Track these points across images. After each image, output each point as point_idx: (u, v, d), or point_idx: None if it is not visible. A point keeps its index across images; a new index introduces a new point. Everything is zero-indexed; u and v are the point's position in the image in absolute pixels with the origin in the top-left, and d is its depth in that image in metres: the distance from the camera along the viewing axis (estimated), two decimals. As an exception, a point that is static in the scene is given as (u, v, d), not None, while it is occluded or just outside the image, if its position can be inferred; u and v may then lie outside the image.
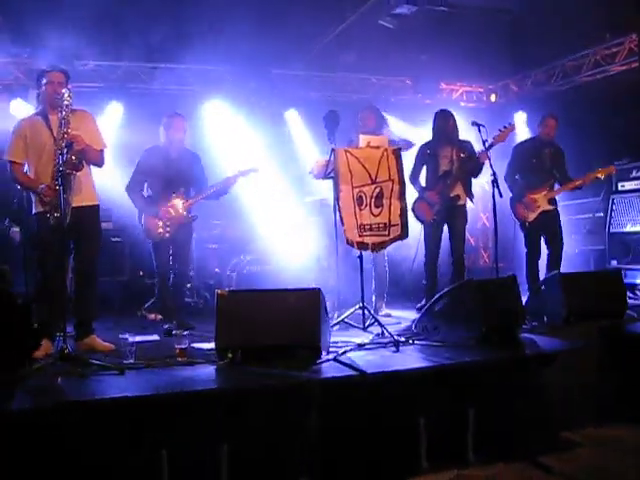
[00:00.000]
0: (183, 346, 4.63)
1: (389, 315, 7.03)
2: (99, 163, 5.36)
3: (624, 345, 5.66)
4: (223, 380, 4.19)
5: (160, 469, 3.87)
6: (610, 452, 4.86)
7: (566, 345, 5.13)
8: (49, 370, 4.24)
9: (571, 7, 7.78)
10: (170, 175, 6.45)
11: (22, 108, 8.06)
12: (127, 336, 4.57)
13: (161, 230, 6.40)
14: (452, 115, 7.21)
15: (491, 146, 6.71)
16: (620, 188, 8.67)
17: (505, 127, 7.02)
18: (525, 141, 7.82)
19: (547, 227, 7.50)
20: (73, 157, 4.80)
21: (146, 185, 6.63)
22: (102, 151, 5.36)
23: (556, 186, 7.59)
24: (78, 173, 4.97)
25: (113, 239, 8.47)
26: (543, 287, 6.07)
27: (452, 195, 7.04)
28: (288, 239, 8.54)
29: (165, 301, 6.62)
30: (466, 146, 7.14)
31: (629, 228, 8.43)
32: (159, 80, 9.51)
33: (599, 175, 7.53)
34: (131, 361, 4.44)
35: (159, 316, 7.14)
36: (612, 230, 8.66)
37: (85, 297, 5.29)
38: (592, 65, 9.66)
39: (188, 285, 7.86)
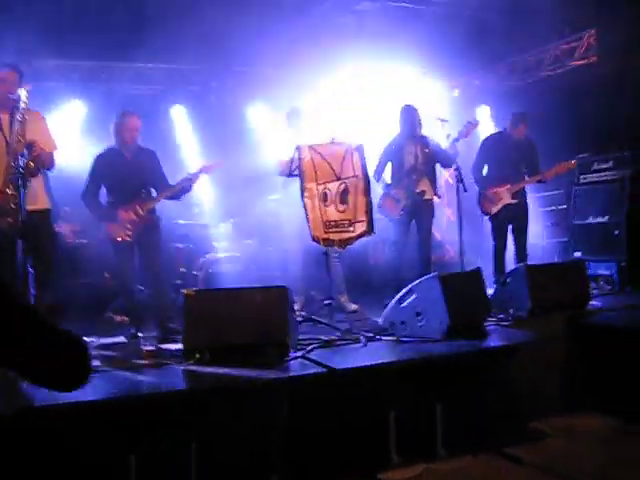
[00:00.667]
0: (150, 348, 4.60)
1: (356, 311, 7.00)
2: (51, 166, 5.25)
3: (589, 335, 5.73)
4: (191, 380, 4.17)
5: (128, 472, 3.85)
6: (578, 441, 4.93)
7: (532, 337, 5.18)
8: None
9: (531, 2, 7.85)
10: (127, 177, 6.20)
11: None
12: (93, 339, 4.52)
13: (122, 234, 6.14)
14: (416, 110, 7.22)
15: (455, 141, 6.78)
16: (582, 180, 8.78)
17: (470, 123, 7.06)
18: (493, 134, 7.89)
19: (511, 220, 7.58)
20: (31, 163, 4.70)
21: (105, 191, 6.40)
22: (53, 153, 5.25)
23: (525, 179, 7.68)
24: (33, 178, 4.88)
25: (77, 241, 8.36)
26: (509, 279, 6.12)
27: (418, 191, 7.06)
28: (254, 237, 8.51)
29: (131, 305, 6.43)
30: (427, 141, 7.16)
31: (591, 220, 8.53)
32: (120, 79, 9.42)
33: (560, 170, 7.64)
34: (98, 364, 4.40)
35: (126, 318, 7.08)
36: (575, 222, 8.76)
37: (45, 300, 5.21)
38: (552, 60, 9.77)
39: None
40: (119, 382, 4.04)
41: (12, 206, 4.65)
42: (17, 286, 4.69)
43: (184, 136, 9.49)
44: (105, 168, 6.24)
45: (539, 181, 7.65)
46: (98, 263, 8.49)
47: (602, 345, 5.63)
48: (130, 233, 6.13)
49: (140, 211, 6.19)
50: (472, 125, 7.05)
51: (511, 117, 7.76)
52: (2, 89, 4.94)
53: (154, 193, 6.42)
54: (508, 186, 7.51)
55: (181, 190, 6.42)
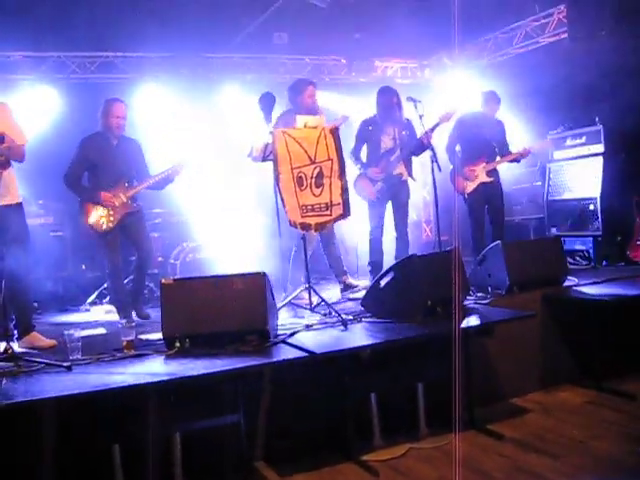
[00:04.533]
0: (130, 338, 4.58)
1: (357, 286, 6.91)
2: (21, 159, 5.16)
3: (567, 311, 5.80)
4: (172, 370, 4.16)
5: (112, 463, 3.86)
6: (557, 415, 5.01)
7: (510, 314, 5.22)
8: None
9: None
10: (112, 163, 6.22)
11: None
12: (72, 331, 4.49)
13: (104, 220, 6.15)
14: (396, 93, 7.14)
15: (435, 127, 6.78)
16: (556, 157, 8.83)
17: (450, 111, 7.02)
18: (466, 114, 7.89)
19: (487, 198, 7.62)
20: (1, 156, 4.64)
21: (86, 176, 6.38)
22: (23, 145, 5.17)
23: (498, 158, 7.71)
24: (4, 172, 4.82)
25: (53, 233, 8.28)
26: (486, 257, 6.15)
27: (395, 173, 7.07)
28: (230, 224, 8.48)
29: (117, 295, 6.44)
30: (408, 125, 7.14)
31: (566, 195, 8.59)
32: (90, 69, 9.33)
33: (535, 149, 7.69)
34: (78, 356, 4.37)
35: (104, 308, 7.05)
36: (550, 198, 8.82)
37: (19, 295, 5.16)
38: (523, 37, 9.77)
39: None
40: (99, 374, 4.01)
41: None
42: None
43: (158, 125, 9.39)
44: (90, 152, 6.24)
45: (513, 160, 7.68)
46: (75, 256, 8.46)
47: (579, 319, 5.71)
48: (113, 219, 6.12)
49: (123, 198, 6.21)
50: (452, 111, 7.02)
51: (483, 95, 7.79)
52: None
53: (135, 182, 6.41)
54: (483, 164, 7.55)
55: (163, 180, 6.45)
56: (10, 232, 5.04)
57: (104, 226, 6.17)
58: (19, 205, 5.21)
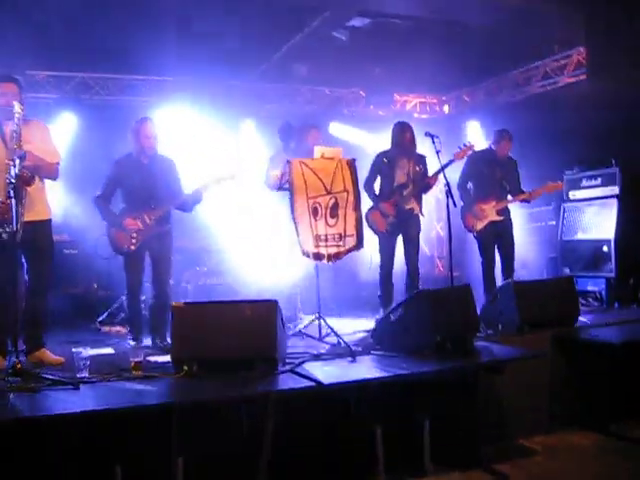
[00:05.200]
0: (138, 359, 4.58)
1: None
2: (53, 176, 5.24)
3: (577, 352, 5.76)
4: (179, 393, 4.16)
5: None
6: (564, 458, 4.96)
7: (520, 353, 5.19)
8: (0, 386, 4.16)
9: (521, 19, 7.91)
10: (140, 185, 6.11)
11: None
12: (81, 349, 4.51)
13: (127, 243, 6.08)
14: (410, 128, 7.18)
15: (448, 164, 6.81)
16: (571, 197, 8.84)
17: (465, 145, 7.10)
18: (479, 151, 7.90)
19: (497, 236, 7.60)
20: (25, 172, 4.70)
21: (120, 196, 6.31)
22: (57, 164, 5.25)
23: (509, 197, 7.70)
24: (30, 187, 4.87)
25: (66, 251, 8.34)
26: (497, 295, 6.13)
27: (407, 208, 7.08)
28: (244, 251, 8.50)
29: (134, 317, 6.34)
30: (422, 160, 7.18)
31: (580, 236, 8.58)
32: (113, 91, 9.45)
33: (547, 190, 7.67)
34: (85, 375, 4.38)
35: (114, 329, 7.06)
36: (564, 238, 8.80)
37: (35, 310, 5.19)
38: (542, 76, 9.84)
39: (142, 297, 7.77)
40: (106, 393, 4.02)
41: (10, 216, 4.66)
42: (12, 295, 4.66)
43: (175, 149, 9.46)
44: (120, 174, 6.17)
45: (524, 200, 7.65)
46: (87, 274, 8.51)
47: (588, 361, 5.66)
48: (135, 242, 6.07)
49: (147, 220, 6.10)
50: (467, 147, 7.07)
51: (494, 134, 7.80)
52: (2, 101, 4.97)
53: (167, 202, 6.25)
54: (493, 203, 7.53)
55: (192, 201, 6.32)
56: (33, 248, 5.08)
57: (125, 247, 6.10)
58: (44, 222, 5.25)
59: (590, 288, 8.32)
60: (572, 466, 4.77)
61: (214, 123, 9.68)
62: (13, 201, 4.50)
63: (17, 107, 4.73)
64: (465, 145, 7.13)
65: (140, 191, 6.12)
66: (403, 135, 7.13)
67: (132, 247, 6.09)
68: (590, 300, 8.28)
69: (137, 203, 6.14)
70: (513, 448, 5.17)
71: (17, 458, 3.63)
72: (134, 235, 6.07)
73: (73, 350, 4.56)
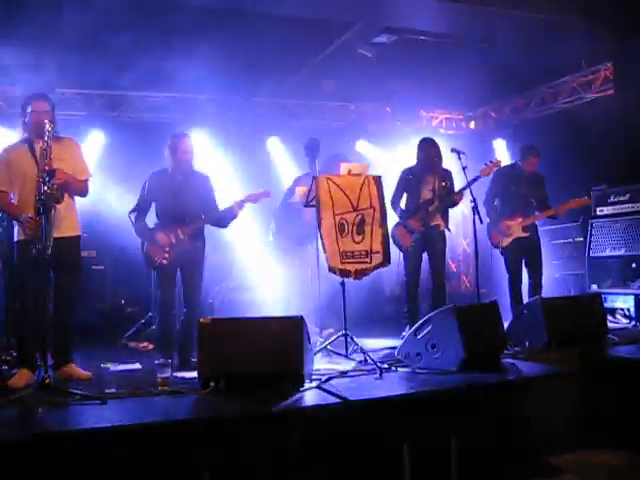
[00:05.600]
0: (165, 375, 4.61)
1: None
2: (83, 193, 5.33)
3: (605, 369, 5.70)
4: (205, 409, 4.17)
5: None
6: (595, 477, 4.88)
7: (548, 370, 5.16)
8: (29, 400, 4.21)
9: (548, 35, 7.90)
10: (174, 200, 6.08)
11: (4, 135, 8.00)
12: (109, 365, 4.54)
13: (159, 257, 6.05)
14: (436, 144, 7.22)
15: (475, 180, 6.82)
16: (599, 213, 8.76)
17: (491, 162, 7.11)
18: (505, 167, 7.88)
19: (523, 253, 7.56)
20: (54, 189, 4.76)
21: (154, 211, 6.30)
22: (86, 181, 5.32)
23: (536, 214, 7.66)
24: (58, 205, 4.92)
25: (95, 267, 8.42)
26: (525, 312, 6.10)
27: (433, 224, 7.08)
28: (270, 266, 8.51)
29: (164, 333, 6.21)
30: (447, 175, 7.19)
31: (608, 252, 8.50)
32: (140, 109, 9.55)
33: (574, 205, 7.62)
34: (113, 390, 4.42)
35: (141, 344, 7.09)
36: (592, 254, 8.72)
37: (63, 326, 5.24)
38: (569, 92, 9.81)
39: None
40: (133, 409, 4.05)
41: (41, 233, 4.73)
42: (41, 310, 4.71)
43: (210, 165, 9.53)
44: (155, 188, 6.15)
45: (550, 216, 7.61)
46: (115, 290, 8.58)
47: (618, 379, 5.59)
48: (167, 256, 6.06)
49: (180, 235, 6.06)
50: (493, 164, 7.07)
51: (520, 150, 7.77)
52: (35, 119, 5.06)
53: (202, 218, 6.23)
54: (519, 220, 7.50)
55: (228, 216, 6.27)
56: (62, 264, 5.13)
57: (158, 261, 6.07)
58: (73, 238, 5.31)
59: (618, 305, 8.22)
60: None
61: (240, 141, 9.73)
62: (43, 218, 4.58)
63: (48, 125, 4.81)
64: (491, 161, 7.15)
65: (174, 207, 6.09)
66: (429, 151, 7.15)
67: (164, 261, 6.05)
68: (618, 317, 8.19)
69: (171, 218, 6.11)
70: (543, 466, 5.10)
71: (45, 473, 3.65)
72: (167, 250, 6.05)
73: (101, 366, 4.59)
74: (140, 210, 6.22)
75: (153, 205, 6.25)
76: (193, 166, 6.28)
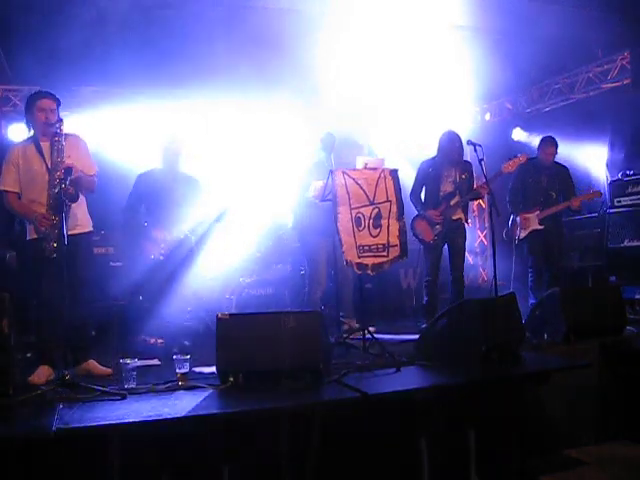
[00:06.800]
0: (184, 370, 4.63)
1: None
2: (92, 189, 5.32)
3: (624, 361, 5.67)
4: (224, 404, 4.18)
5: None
6: (615, 470, 4.85)
7: (567, 362, 5.13)
8: (49, 396, 4.24)
9: (563, 25, 7.85)
10: (163, 200, 6.30)
11: (20, 133, 8.03)
12: (128, 361, 4.56)
13: (155, 252, 6.28)
14: (459, 137, 7.12)
15: (497, 175, 6.79)
16: (617, 204, 8.70)
17: (515, 156, 7.03)
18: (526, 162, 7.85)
19: (541, 245, 7.53)
20: (70, 188, 4.78)
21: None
22: (94, 176, 5.33)
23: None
24: (72, 204, 4.95)
25: (112, 264, 8.43)
26: (543, 304, 6.07)
27: (454, 218, 7.04)
28: (286, 262, 8.52)
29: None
30: (467, 167, 7.15)
31: (627, 243, 8.45)
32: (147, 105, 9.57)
33: (585, 199, 7.58)
34: (132, 386, 4.44)
35: (160, 340, 7.11)
36: (610, 246, 8.67)
37: (80, 322, 5.26)
38: (585, 82, 9.74)
39: (188, 309, 7.83)
40: (153, 404, 4.06)
41: (56, 231, 4.75)
42: (58, 307, 4.74)
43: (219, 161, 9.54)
44: (144, 188, 6.31)
45: (571, 209, 7.56)
46: (132, 286, 8.59)
47: (636, 371, 5.57)
48: (164, 251, 6.19)
49: (167, 235, 6.29)
50: (517, 159, 7.00)
51: (539, 142, 7.73)
52: (41, 117, 5.05)
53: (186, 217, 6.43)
54: (537, 212, 7.49)
55: (216, 220, 6.52)
56: (75, 260, 5.16)
57: (153, 255, 6.28)
58: (85, 234, 5.35)
59: (637, 296, 8.17)
60: (624, 478, 4.68)
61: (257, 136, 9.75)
62: (62, 217, 4.60)
63: (58, 124, 4.84)
64: (516, 156, 7.04)
65: (163, 207, 6.29)
66: (452, 144, 7.07)
67: (160, 257, 6.26)
68: (637, 308, 8.13)
69: (160, 218, 6.31)
70: (562, 459, 5.08)
71: (66, 468, 3.68)
72: (162, 245, 6.25)
73: (120, 361, 4.61)
74: (131, 209, 6.48)
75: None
76: (179, 167, 6.51)
